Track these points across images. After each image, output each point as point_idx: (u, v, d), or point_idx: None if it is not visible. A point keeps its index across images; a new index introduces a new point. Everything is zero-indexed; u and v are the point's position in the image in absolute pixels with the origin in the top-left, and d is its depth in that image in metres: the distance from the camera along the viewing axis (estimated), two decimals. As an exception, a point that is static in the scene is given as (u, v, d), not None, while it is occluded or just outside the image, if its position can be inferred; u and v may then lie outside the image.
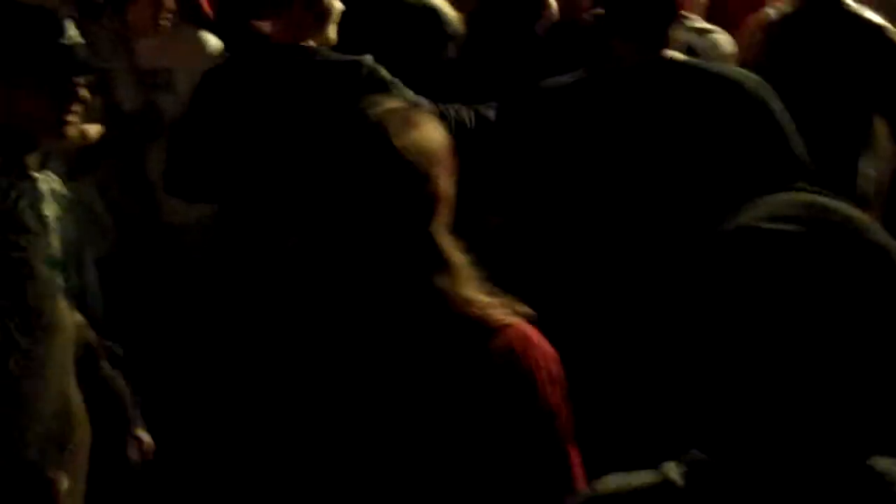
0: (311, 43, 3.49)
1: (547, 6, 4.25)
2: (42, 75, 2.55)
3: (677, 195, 2.95)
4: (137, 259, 4.09)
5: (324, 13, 3.51)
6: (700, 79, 3.04)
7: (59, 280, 2.57)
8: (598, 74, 3.13)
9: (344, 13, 3.56)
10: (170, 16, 4.34)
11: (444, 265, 1.86)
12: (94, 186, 3.95)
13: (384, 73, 3.38)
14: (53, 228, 2.63)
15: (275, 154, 3.39)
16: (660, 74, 3.05)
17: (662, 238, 2.91)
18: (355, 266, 1.88)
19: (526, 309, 1.91)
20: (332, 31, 3.55)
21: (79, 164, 3.79)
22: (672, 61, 3.08)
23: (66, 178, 2.81)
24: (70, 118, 2.60)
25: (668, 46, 3.09)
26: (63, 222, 2.67)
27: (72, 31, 2.61)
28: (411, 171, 1.86)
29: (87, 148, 3.95)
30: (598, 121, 3.06)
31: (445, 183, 1.92)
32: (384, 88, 3.28)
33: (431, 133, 1.93)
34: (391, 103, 1.98)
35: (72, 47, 2.59)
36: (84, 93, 2.60)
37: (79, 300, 2.70)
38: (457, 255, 1.88)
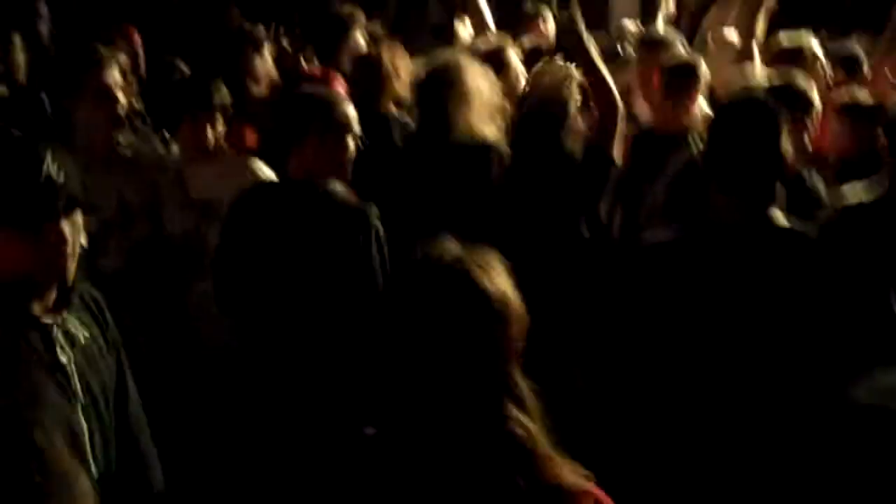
0: (327, 180, 3.64)
1: (570, 117, 4.10)
2: (19, 220, 2.41)
3: (777, 359, 2.85)
4: (176, 385, 3.98)
5: (338, 153, 3.66)
6: (804, 246, 2.91)
7: (85, 437, 2.44)
8: (700, 233, 2.99)
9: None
10: (218, 143, 4.28)
11: (522, 409, 1.84)
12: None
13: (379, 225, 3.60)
14: (72, 373, 2.48)
15: (287, 281, 3.61)
16: (763, 239, 2.90)
17: (759, 398, 2.84)
18: (433, 409, 1.84)
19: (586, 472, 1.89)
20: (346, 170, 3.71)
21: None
22: (776, 226, 2.92)
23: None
24: (63, 261, 2.46)
25: (773, 203, 2.94)
26: (89, 362, 2.53)
27: (50, 167, 2.41)
28: (495, 311, 1.85)
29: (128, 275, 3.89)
30: (698, 281, 2.93)
31: (516, 329, 1.89)
32: (378, 240, 3.55)
33: (505, 279, 1.90)
34: (455, 247, 1.93)
35: (50, 185, 2.41)
36: (66, 231, 2.46)
37: (122, 440, 2.61)
38: (532, 398, 1.86)
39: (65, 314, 2.53)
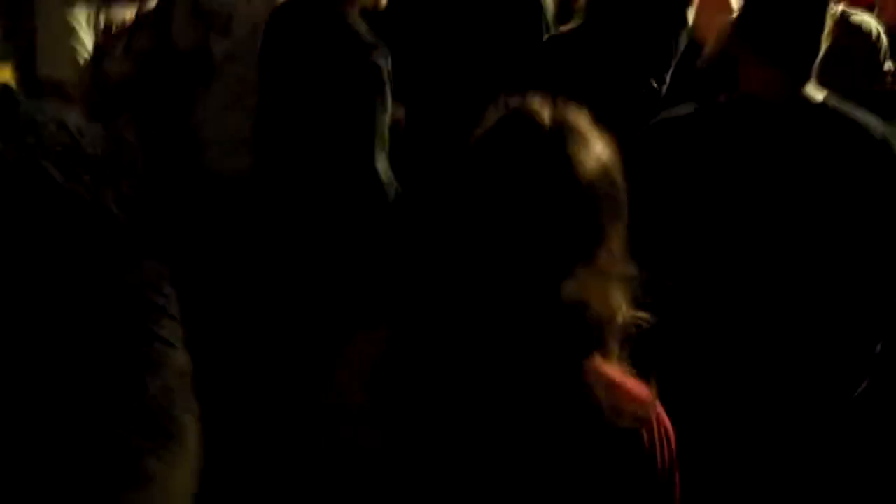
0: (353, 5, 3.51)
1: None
2: None
3: (799, 244, 2.63)
4: (175, 203, 3.98)
5: None
6: (841, 127, 2.62)
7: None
8: (723, 106, 2.71)
9: None
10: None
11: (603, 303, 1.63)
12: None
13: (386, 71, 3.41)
14: None
15: (292, 108, 3.53)
16: (801, 117, 2.62)
17: (783, 289, 2.63)
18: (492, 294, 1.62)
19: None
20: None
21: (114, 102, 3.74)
22: (815, 104, 2.63)
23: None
24: None
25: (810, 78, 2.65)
26: None
27: None
28: (587, 203, 1.61)
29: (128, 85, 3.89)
30: (717, 160, 2.65)
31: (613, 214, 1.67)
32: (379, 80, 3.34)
33: (609, 153, 1.67)
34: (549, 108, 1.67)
35: None
36: None
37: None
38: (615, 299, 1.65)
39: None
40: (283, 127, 3.58)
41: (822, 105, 2.64)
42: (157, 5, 4.11)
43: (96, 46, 3.93)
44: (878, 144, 2.61)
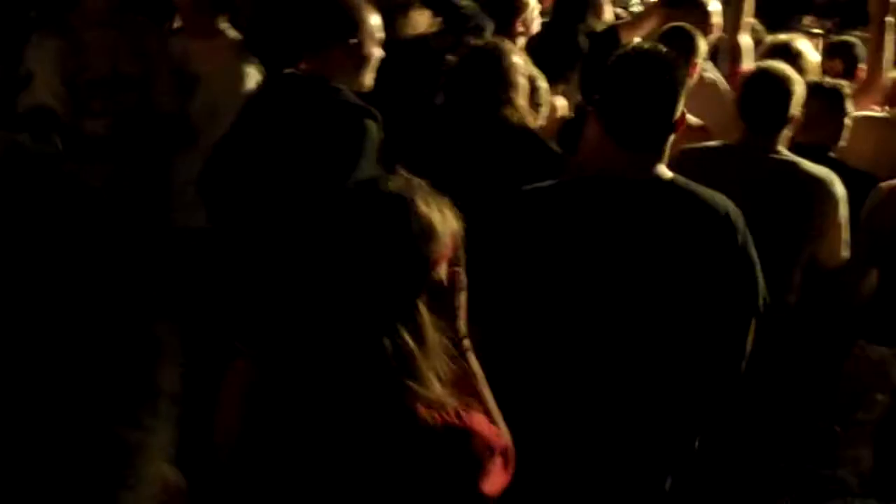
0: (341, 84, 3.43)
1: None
2: None
3: (649, 314, 2.73)
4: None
5: (362, 61, 3.48)
6: (689, 204, 2.75)
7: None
8: (584, 181, 2.83)
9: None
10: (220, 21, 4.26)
11: (414, 336, 1.86)
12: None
13: (374, 134, 3.36)
14: None
15: (277, 178, 3.40)
16: (653, 195, 2.75)
17: (635, 352, 2.74)
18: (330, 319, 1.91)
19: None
20: (367, 78, 3.51)
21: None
22: (668, 183, 2.76)
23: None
24: None
25: (662, 159, 2.78)
26: None
27: None
28: (415, 236, 1.88)
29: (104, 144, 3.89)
30: (576, 232, 2.75)
31: (444, 269, 1.94)
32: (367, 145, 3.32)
33: (443, 216, 1.93)
34: (411, 181, 1.98)
35: None
36: None
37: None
38: (433, 332, 1.88)
39: None
40: (249, 179, 3.48)
41: (671, 183, 2.75)
42: (139, 66, 4.12)
43: (74, 103, 3.93)
44: (722, 219, 2.74)
